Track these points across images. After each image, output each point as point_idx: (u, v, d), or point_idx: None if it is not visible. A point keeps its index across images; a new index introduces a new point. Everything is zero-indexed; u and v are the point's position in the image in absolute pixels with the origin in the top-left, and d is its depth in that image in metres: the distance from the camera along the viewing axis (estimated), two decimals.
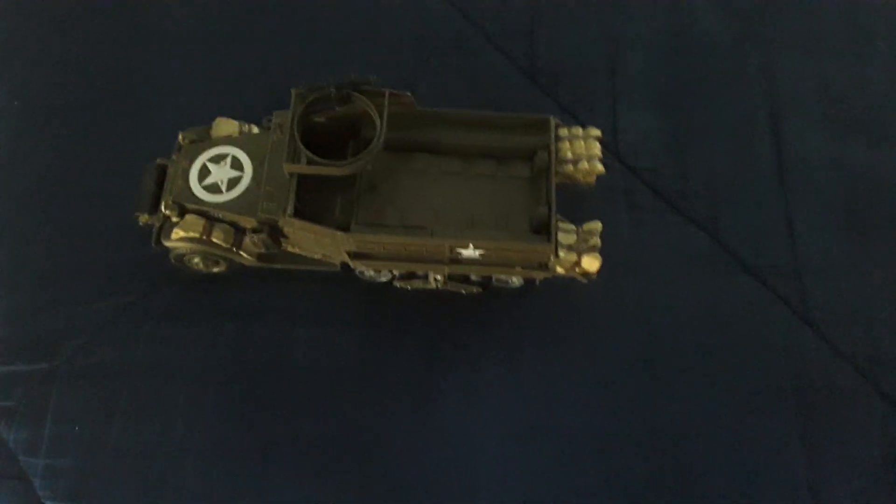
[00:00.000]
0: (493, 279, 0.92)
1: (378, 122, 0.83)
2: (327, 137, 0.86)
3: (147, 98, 1.06)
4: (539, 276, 0.89)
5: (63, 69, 1.09)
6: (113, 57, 1.09)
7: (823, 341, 0.93)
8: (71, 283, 0.97)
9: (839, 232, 0.99)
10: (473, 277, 0.92)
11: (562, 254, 0.84)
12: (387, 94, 0.84)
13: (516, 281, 0.93)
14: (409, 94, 0.86)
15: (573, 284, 0.91)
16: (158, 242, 0.89)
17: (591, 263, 0.85)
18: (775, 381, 0.91)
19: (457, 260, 0.86)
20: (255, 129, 0.92)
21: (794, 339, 0.93)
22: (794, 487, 0.87)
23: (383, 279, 0.94)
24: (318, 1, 1.12)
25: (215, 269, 0.94)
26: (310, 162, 0.82)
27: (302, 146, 0.82)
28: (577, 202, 0.92)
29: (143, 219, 0.90)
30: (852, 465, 0.88)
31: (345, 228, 0.84)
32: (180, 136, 0.91)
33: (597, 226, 0.86)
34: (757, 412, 0.90)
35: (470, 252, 0.84)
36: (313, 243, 0.88)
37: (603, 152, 0.90)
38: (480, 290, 0.94)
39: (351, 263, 0.88)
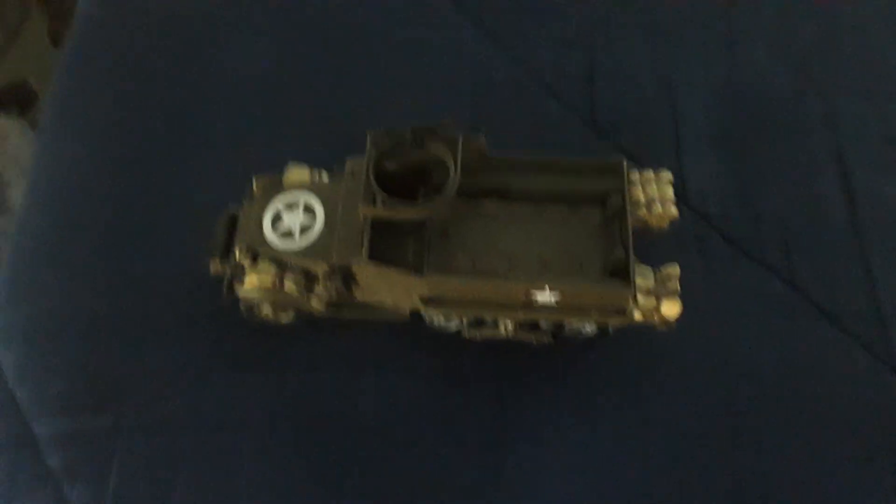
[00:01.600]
0: (566, 327, 0.90)
1: (452, 167, 0.83)
2: (398, 184, 0.86)
3: (215, 146, 1.07)
4: (615, 322, 0.87)
5: (132, 118, 1.11)
6: (180, 108, 1.12)
7: None
8: (135, 334, 0.96)
9: None
10: (544, 325, 0.90)
11: (640, 298, 0.82)
12: (461, 139, 0.85)
13: (589, 329, 0.91)
14: (482, 138, 0.86)
15: (647, 334, 0.88)
16: (230, 291, 0.89)
17: (670, 308, 0.83)
18: (866, 436, 0.87)
19: (531, 305, 0.85)
20: (326, 176, 0.93)
21: (881, 388, 0.90)
22: None
23: (452, 328, 0.92)
24: (382, 53, 1.15)
25: (284, 319, 0.93)
26: (385, 204, 0.82)
27: (378, 188, 0.82)
28: (648, 249, 0.91)
29: (215, 266, 0.90)
30: None
31: (418, 272, 0.83)
32: (253, 184, 0.92)
33: (675, 269, 0.84)
34: (847, 467, 0.86)
35: (545, 297, 0.83)
36: (385, 289, 0.87)
37: None
38: (552, 339, 0.92)
39: (423, 309, 0.87)
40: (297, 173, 0.92)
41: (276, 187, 0.91)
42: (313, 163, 0.94)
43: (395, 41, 1.15)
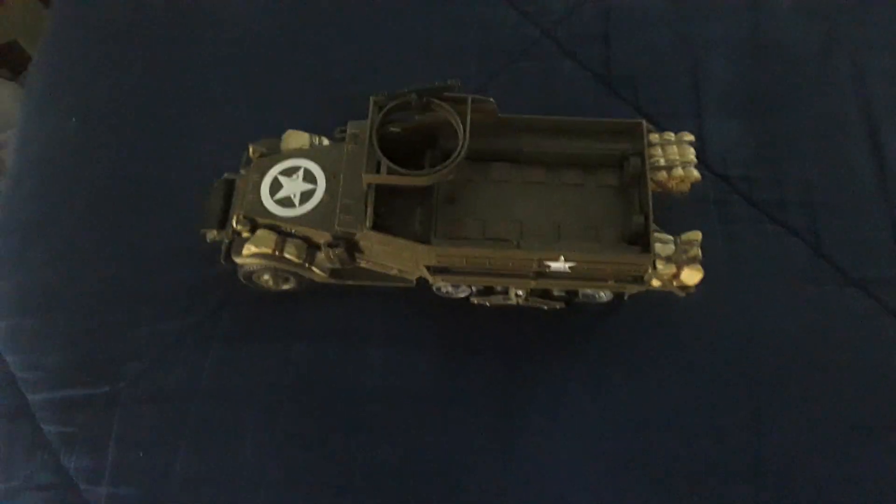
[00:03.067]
0: (580, 294, 0.87)
1: (460, 130, 0.79)
2: (403, 149, 0.82)
3: (210, 111, 1.03)
4: (632, 290, 0.83)
5: (122, 84, 1.07)
6: (174, 70, 1.07)
7: None
8: (133, 304, 0.93)
9: None
10: (556, 292, 0.86)
11: (660, 266, 0.78)
12: (469, 101, 0.80)
13: (604, 296, 0.87)
14: (491, 100, 0.82)
15: (664, 300, 0.85)
16: (228, 259, 0.85)
17: (691, 276, 0.79)
18: (890, 402, 0.84)
19: (544, 274, 0.81)
20: (326, 141, 0.89)
21: None
22: None
23: (461, 295, 0.89)
24: (383, 12, 1.09)
25: (285, 287, 0.90)
26: (390, 172, 0.78)
27: (382, 155, 0.78)
28: (667, 214, 0.86)
29: (211, 235, 0.86)
30: None
31: (425, 241, 0.79)
32: (250, 149, 0.88)
33: (696, 235, 0.80)
34: (870, 436, 0.83)
35: (559, 265, 0.79)
36: (391, 258, 0.83)
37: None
38: (564, 305, 0.88)
39: (430, 279, 0.83)
40: (295, 139, 0.88)
41: (275, 154, 0.87)
42: (312, 128, 0.89)
43: None
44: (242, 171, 0.87)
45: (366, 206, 0.79)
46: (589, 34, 1.07)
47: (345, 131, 0.86)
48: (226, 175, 0.88)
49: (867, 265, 0.91)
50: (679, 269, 0.79)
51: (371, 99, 0.80)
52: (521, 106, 0.99)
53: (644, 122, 0.83)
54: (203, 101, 1.04)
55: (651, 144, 0.84)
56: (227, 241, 0.86)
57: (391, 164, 0.78)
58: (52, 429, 0.89)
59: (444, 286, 0.87)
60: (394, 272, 0.86)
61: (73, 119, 1.06)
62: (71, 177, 1.02)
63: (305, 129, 0.89)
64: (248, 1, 1.11)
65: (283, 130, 0.89)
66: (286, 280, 0.89)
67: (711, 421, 0.84)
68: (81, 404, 0.90)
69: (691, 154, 0.84)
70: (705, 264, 0.79)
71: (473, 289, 0.87)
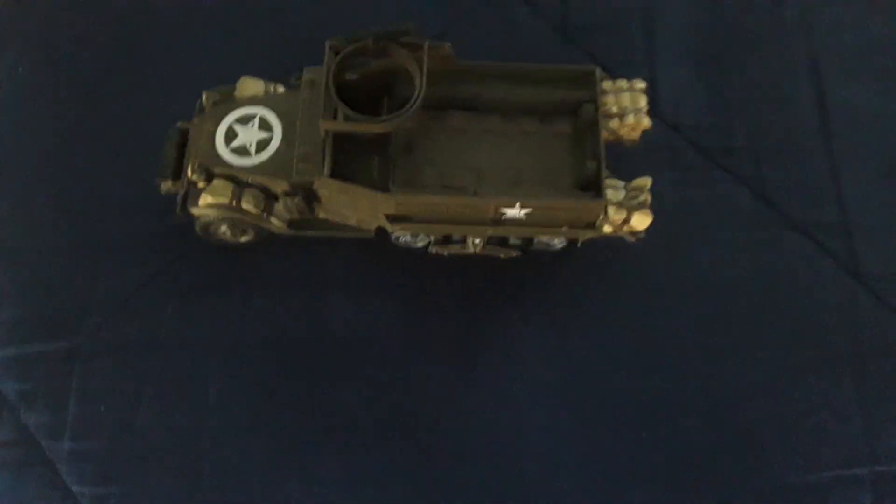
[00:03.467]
0: (535, 241, 0.89)
1: (417, 76, 0.79)
2: (360, 96, 0.81)
3: (162, 58, 1.00)
4: (585, 235, 0.85)
5: (70, 31, 1.03)
6: (123, 14, 1.04)
7: (875, 297, 0.91)
8: (88, 256, 0.92)
9: (887, 185, 0.96)
10: (513, 240, 0.88)
11: (611, 211, 0.81)
12: (426, 46, 0.80)
13: (558, 243, 0.89)
14: (448, 45, 0.81)
15: (616, 245, 0.87)
16: (184, 210, 0.85)
17: (641, 221, 0.82)
18: (830, 340, 0.89)
19: (500, 221, 0.82)
20: (282, 89, 0.88)
21: (845, 296, 0.91)
22: (853, 446, 0.85)
23: (419, 244, 0.90)
24: None
25: (243, 238, 0.90)
26: (347, 119, 0.77)
27: (339, 101, 0.77)
28: (619, 161, 0.88)
29: (166, 185, 0.85)
30: None
31: (383, 190, 0.79)
32: (203, 97, 0.86)
33: (646, 182, 0.82)
34: (813, 371, 0.88)
35: (515, 212, 0.80)
36: (349, 207, 0.84)
37: None
38: (520, 253, 0.90)
39: (389, 227, 0.84)
40: (250, 86, 0.86)
41: (229, 102, 0.85)
42: (267, 75, 0.88)
43: None
44: (196, 120, 0.86)
45: (323, 154, 0.79)
46: None
47: (301, 78, 0.85)
48: (179, 123, 0.87)
49: (809, 210, 0.95)
50: (629, 214, 0.81)
51: (326, 44, 0.79)
52: (479, 52, 0.99)
53: (597, 70, 0.84)
54: (154, 48, 1.01)
55: (604, 92, 0.85)
56: (182, 191, 0.85)
57: (349, 111, 0.77)
58: (10, 385, 0.88)
59: (402, 235, 0.88)
60: (352, 222, 0.86)
61: (20, 69, 1.02)
62: (21, 128, 0.99)
63: (260, 76, 0.87)
64: None
65: (238, 77, 0.87)
66: (244, 232, 0.89)
67: (662, 361, 0.88)
68: (39, 360, 0.89)
69: (643, 102, 0.86)
70: (655, 210, 0.82)
71: (432, 238, 0.88)
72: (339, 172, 0.79)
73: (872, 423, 0.86)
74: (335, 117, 0.78)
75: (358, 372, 0.87)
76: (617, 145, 0.87)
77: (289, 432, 0.84)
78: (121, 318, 0.89)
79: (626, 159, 0.89)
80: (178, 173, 0.85)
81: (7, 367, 0.89)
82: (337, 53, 0.79)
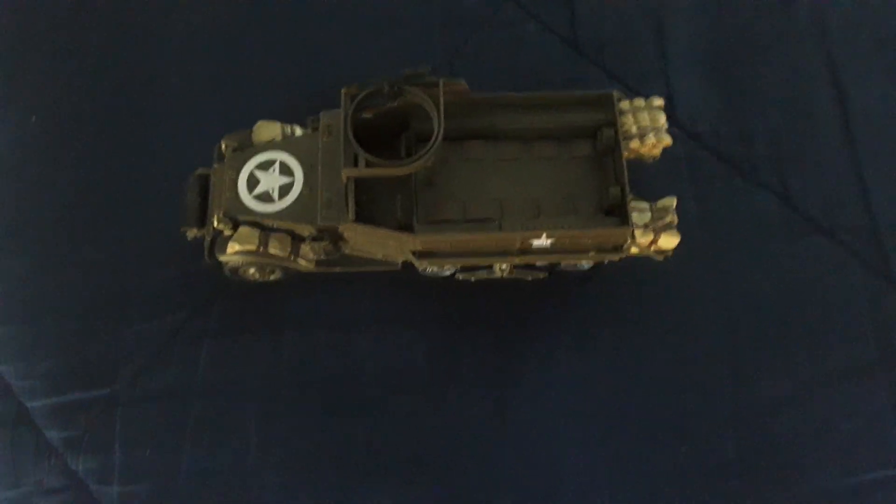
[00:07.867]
0: (561, 263, 0.89)
1: (435, 115, 0.79)
2: (376, 132, 0.82)
3: (175, 102, 1.01)
4: (612, 258, 0.85)
5: (83, 79, 1.04)
6: (136, 62, 1.04)
7: None
8: (120, 304, 0.94)
9: None
10: (539, 263, 0.88)
11: (638, 234, 0.80)
12: (441, 84, 0.79)
13: (585, 264, 0.89)
14: (462, 80, 0.81)
15: (642, 262, 0.87)
16: (212, 257, 0.86)
17: (668, 241, 0.81)
18: (862, 347, 0.89)
19: (526, 250, 0.83)
20: (298, 130, 0.88)
21: (876, 300, 0.90)
22: (891, 448, 0.85)
23: (446, 273, 0.90)
24: None
25: (272, 277, 0.91)
26: (368, 164, 0.78)
27: (358, 147, 0.77)
28: (640, 176, 0.88)
29: (192, 233, 0.86)
30: None
31: (408, 228, 0.80)
32: (222, 144, 0.86)
33: (671, 202, 0.82)
34: (846, 381, 0.87)
35: (541, 241, 0.80)
36: (375, 245, 0.84)
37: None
38: (546, 275, 0.90)
39: (416, 263, 0.84)
40: (267, 130, 0.86)
41: (247, 147, 0.86)
42: (282, 116, 0.88)
43: None
44: (216, 166, 0.87)
45: (346, 199, 0.79)
46: None
47: (317, 121, 0.85)
48: (199, 170, 0.88)
49: (834, 213, 0.94)
50: (656, 235, 0.81)
51: (342, 91, 0.79)
52: (490, 73, 1.00)
53: (614, 93, 0.83)
54: (166, 92, 1.02)
55: (622, 113, 0.84)
56: (208, 238, 0.86)
57: (369, 157, 0.78)
58: (56, 434, 0.91)
59: (429, 266, 0.88)
60: (379, 257, 0.87)
61: (34, 118, 1.03)
62: (39, 179, 1.00)
63: (275, 118, 0.88)
64: None
65: (252, 117, 0.88)
66: (272, 272, 0.90)
67: (693, 375, 0.88)
68: (81, 408, 0.91)
69: (662, 119, 0.85)
70: (679, 224, 0.81)
71: (458, 266, 0.89)
72: (363, 215, 0.80)
73: None
74: (356, 164, 0.78)
75: (390, 406, 0.88)
76: (637, 162, 0.87)
77: (327, 468, 0.86)
78: (158, 363, 0.91)
79: (645, 171, 0.89)
80: (202, 220, 0.85)
81: (51, 416, 0.91)
82: (353, 98, 0.79)
